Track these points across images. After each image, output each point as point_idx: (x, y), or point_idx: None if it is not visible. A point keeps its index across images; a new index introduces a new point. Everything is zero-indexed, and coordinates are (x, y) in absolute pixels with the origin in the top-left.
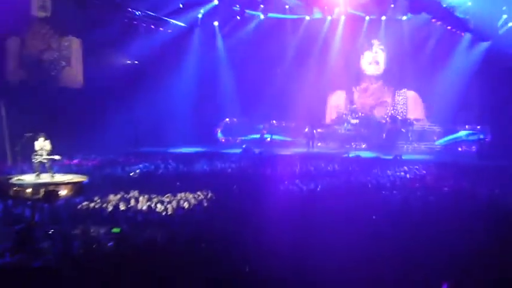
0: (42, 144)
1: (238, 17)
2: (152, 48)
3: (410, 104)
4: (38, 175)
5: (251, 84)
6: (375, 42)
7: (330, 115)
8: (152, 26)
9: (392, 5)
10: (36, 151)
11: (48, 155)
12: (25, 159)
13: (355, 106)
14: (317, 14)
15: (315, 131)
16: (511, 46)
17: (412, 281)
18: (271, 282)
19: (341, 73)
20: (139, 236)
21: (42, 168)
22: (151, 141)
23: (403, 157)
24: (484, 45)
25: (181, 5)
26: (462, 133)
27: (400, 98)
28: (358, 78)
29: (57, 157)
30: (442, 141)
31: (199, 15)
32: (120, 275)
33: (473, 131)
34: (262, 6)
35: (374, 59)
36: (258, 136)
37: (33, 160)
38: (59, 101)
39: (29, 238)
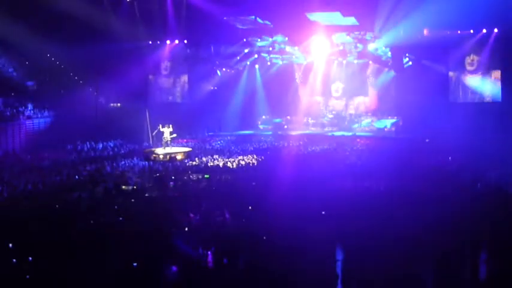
0: (167, 130)
1: (268, 63)
2: (224, 80)
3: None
4: (164, 148)
5: (277, 96)
6: (337, 81)
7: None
8: (224, 69)
9: (348, 54)
10: (164, 135)
11: (170, 135)
12: (158, 140)
13: (331, 108)
14: (309, 59)
15: (306, 120)
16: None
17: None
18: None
19: (321, 90)
20: (219, 177)
21: (167, 144)
22: (224, 127)
23: (357, 133)
24: (393, 73)
25: (238, 57)
26: (387, 121)
27: (356, 102)
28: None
29: (174, 135)
30: (376, 124)
31: (248, 63)
32: (210, 196)
33: (393, 118)
34: (280, 56)
35: (337, 88)
36: (279, 123)
37: (162, 140)
38: (176, 109)
39: (162, 181)
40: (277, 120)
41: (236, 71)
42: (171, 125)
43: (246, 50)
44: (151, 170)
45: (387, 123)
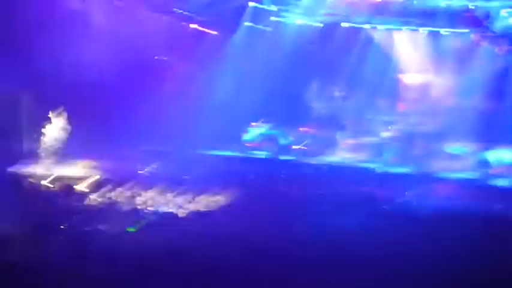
0: (56, 126)
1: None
2: (182, 44)
3: None
4: (49, 167)
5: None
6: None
7: None
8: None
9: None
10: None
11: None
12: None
13: (389, 118)
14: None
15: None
16: None
17: None
18: None
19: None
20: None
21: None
22: (174, 137)
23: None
24: None
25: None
26: None
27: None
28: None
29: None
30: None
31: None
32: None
33: None
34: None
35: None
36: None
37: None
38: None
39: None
40: (273, 132)
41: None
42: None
43: None
44: (19, 209)
45: None
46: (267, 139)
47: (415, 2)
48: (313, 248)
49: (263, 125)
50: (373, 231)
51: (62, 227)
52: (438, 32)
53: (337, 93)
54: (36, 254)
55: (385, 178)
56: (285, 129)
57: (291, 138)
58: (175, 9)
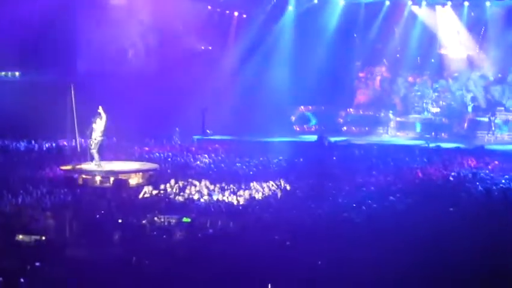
0: (99, 124)
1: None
2: (224, 32)
3: None
4: (100, 164)
5: (328, 71)
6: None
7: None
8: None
9: None
10: (93, 135)
11: (99, 134)
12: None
13: (436, 94)
14: None
15: (391, 116)
16: None
17: None
18: None
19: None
20: (211, 223)
21: (92, 155)
22: (225, 126)
23: (486, 146)
24: None
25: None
26: None
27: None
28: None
29: (99, 137)
30: None
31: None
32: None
33: None
34: None
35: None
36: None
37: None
38: (130, 85)
39: (97, 227)
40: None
41: (250, 14)
42: (101, 111)
43: None
44: (76, 205)
45: None
46: (302, 121)
47: None
48: (368, 229)
49: (306, 108)
50: (430, 208)
51: (119, 221)
52: (482, 3)
53: (382, 73)
54: (94, 248)
55: (436, 154)
56: (329, 111)
57: (339, 119)
58: None
